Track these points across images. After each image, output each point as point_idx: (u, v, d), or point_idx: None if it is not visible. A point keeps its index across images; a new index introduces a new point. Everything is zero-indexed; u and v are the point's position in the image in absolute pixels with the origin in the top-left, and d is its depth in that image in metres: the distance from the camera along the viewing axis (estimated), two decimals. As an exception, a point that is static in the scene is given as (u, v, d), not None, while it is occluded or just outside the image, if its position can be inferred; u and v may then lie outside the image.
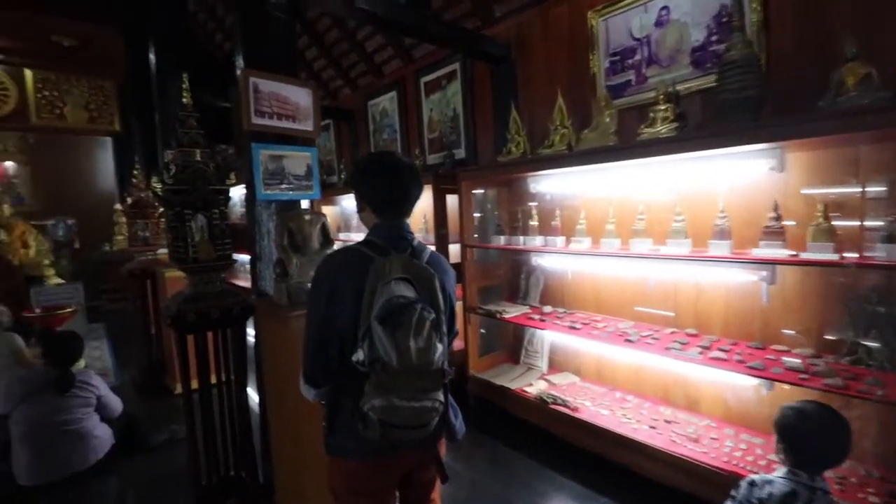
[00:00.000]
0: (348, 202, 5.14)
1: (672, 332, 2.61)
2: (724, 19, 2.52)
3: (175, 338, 2.04)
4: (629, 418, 2.61)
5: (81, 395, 2.66)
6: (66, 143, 9.66)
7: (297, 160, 2.28)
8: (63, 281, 6.83)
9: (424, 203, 4.27)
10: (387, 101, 5.17)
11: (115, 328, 6.37)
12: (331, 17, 4.92)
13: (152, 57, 4.36)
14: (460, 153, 4.19)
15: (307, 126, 2.32)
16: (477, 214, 3.56)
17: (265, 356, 2.15)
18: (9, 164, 9.18)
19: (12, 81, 7.92)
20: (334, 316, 1.20)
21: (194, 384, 2.11)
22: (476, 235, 3.48)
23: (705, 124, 2.53)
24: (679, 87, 2.57)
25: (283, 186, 2.22)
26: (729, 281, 2.40)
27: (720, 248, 2.18)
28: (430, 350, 1.11)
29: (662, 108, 2.32)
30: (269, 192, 2.16)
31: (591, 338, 2.67)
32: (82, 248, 8.60)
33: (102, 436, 2.73)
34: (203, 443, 2.17)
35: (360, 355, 1.13)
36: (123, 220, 8.19)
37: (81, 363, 3.29)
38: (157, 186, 1.85)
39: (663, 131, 2.26)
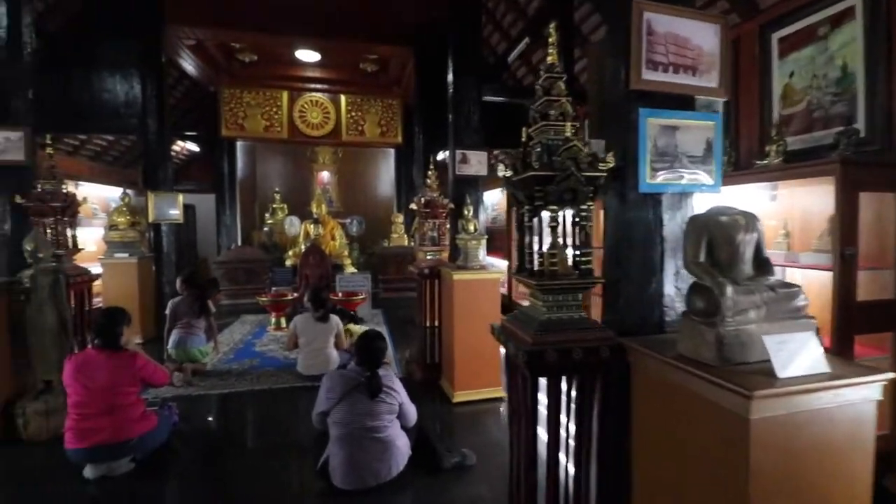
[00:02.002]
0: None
1: None
2: None
3: (516, 376, 1.52)
4: None
5: (388, 401, 2.52)
6: (362, 154, 11.67)
7: (694, 133, 1.50)
8: (356, 270, 8.03)
9: (792, 204, 3.01)
10: (702, 76, 4.01)
11: (389, 316, 6.98)
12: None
13: (450, 62, 4.37)
14: (858, 128, 2.74)
15: (710, 81, 1.51)
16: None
17: (642, 429, 1.42)
18: (325, 173, 11.58)
19: (332, 106, 9.83)
20: None
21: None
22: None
23: None
24: None
25: (675, 173, 1.46)
26: None
27: None
28: None
29: None
30: (657, 180, 1.44)
31: None
32: (365, 242, 10.15)
33: (403, 447, 2.55)
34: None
35: None
36: (399, 219, 9.31)
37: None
38: (507, 174, 1.28)
39: None
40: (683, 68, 1.47)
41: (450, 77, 4.35)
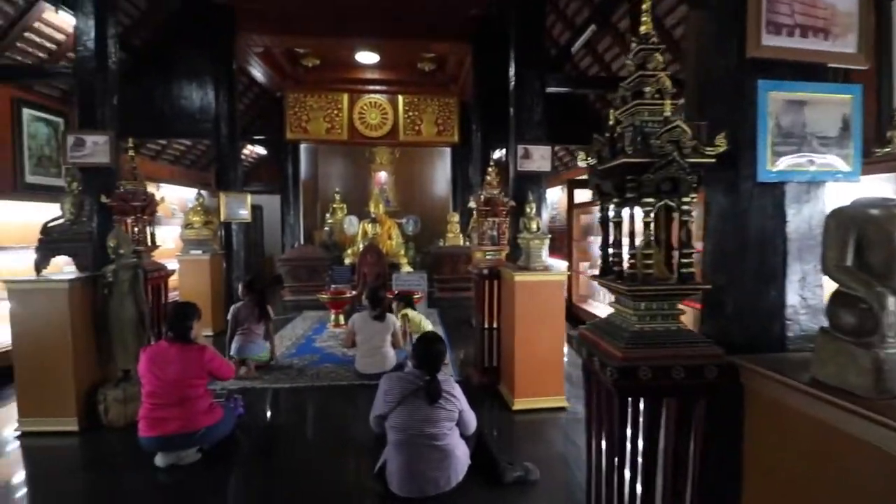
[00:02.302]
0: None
1: None
2: None
3: (598, 392, 1.33)
4: None
5: (447, 407, 2.39)
6: (418, 154, 11.70)
7: (827, 109, 1.23)
8: (411, 269, 8.02)
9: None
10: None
11: (444, 316, 6.87)
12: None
13: (512, 53, 4.20)
14: None
15: (846, 46, 1.24)
16: None
17: (758, 466, 1.19)
18: (382, 173, 11.73)
19: (391, 107, 9.92)
20: None
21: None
22: None
23: None
24: None
25: (803, 157, 1.21)
26: None
27: None
28: None
29: None
30: (779, 166, 1.20)
31: None
32: (421, 242, 10.15)
33: (462, 456, 2.42)
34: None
35: None
36: (455, 219, 9.23)
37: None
38: (591, 162, 1.08)
39: None
40: (813, 31, 1.22)
41: (511, 70, 4.16)
